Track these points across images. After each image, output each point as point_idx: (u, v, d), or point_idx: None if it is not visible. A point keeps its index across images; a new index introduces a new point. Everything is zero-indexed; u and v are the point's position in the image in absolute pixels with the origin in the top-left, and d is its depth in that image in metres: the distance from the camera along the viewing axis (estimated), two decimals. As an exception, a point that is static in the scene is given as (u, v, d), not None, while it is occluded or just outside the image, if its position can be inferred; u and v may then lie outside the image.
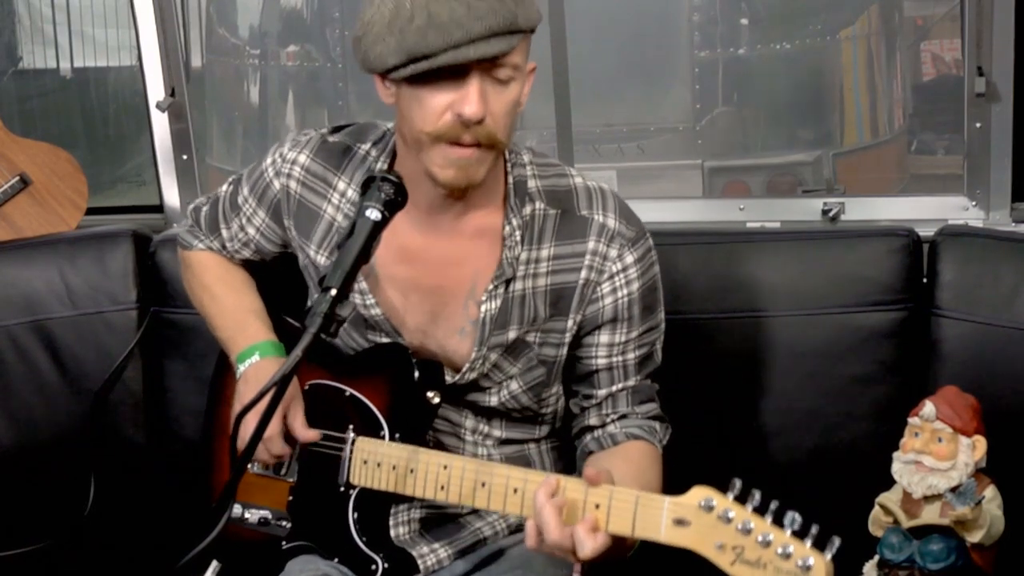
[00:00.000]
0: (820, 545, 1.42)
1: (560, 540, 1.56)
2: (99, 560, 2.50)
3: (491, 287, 1.85)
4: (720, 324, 2.35)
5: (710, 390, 2.35)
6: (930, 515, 1.96)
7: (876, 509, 2.03)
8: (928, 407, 1.98)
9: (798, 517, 1.43)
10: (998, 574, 1.97)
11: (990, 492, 1.96)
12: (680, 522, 1.49)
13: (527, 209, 1.86)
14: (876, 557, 2.01)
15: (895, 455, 2.02)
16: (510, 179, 1.86)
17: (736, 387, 2.35)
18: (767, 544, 1.42)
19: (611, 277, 1.87)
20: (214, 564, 1.91)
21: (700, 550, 1.47)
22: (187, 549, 1.66)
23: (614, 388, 1.91)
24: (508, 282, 1.85)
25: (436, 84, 1.68)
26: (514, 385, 1.92)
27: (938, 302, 2.28)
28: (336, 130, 1.97)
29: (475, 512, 1.97)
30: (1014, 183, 2.64)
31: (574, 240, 1.86)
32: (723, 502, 1.47)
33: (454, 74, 1.67)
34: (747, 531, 1.44)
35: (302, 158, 1.94)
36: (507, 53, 1.67)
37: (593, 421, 1.92)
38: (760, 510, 1.45)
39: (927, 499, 1.97)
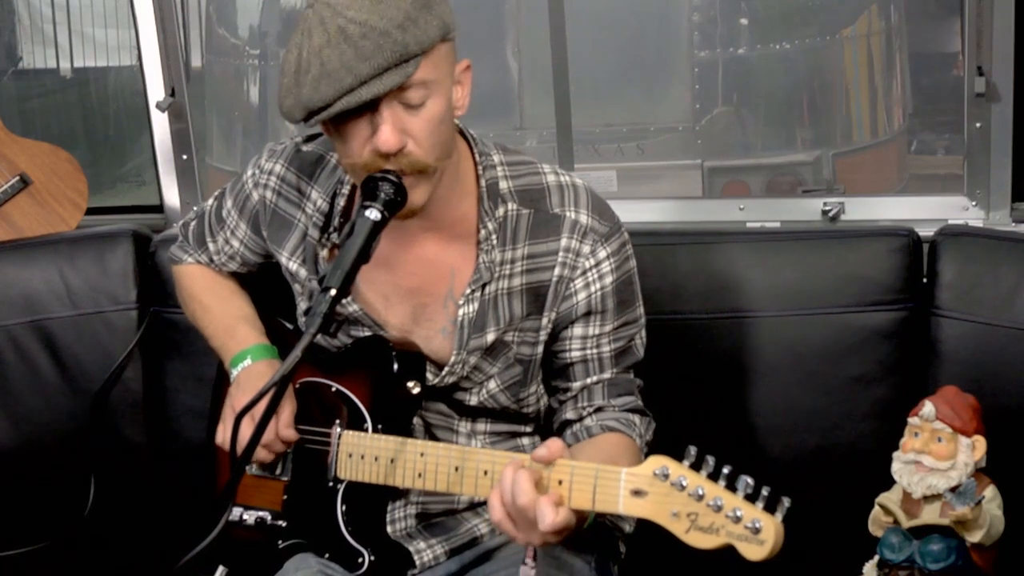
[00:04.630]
0: (771, 507, 1.43)
1: (527, 506, 1.55)
2: (99, 560, 2.50)
3: (468, 291, 1.85)
4: (720, 324, 2.35)
5: (710, 390, 2.35)
6: (930, 515, 1.96)
7: (876, 509, 2.03)
8: (928, 407, 1.98)
9: (750, 481, 1.44)
10: (998, 574, 1.97)
11: (990, 492, 1.96)
12: (637, 492, 1.50)
13: (500, 211, 1.86)
14: (876, 557, 2.01)
15: (895, 455, 2.02)
16: (482, 182, 1.85)
17: (736, 387, 2.35)
18: (719, 508, 1.44)
19: (584, 273, 1.86)
20: (220, 569, 1.92)
21: (657, 519, 1.48)
22: (188, 550, 1.66)
23: (589, 381, 1.91)
24: (484, 285, 1.86)
25: (350, 123, 1.68)
26: (492, 384, 1.92)
27: (938, 302, 2.28)
28: (310, 139, 1.98)
29: (472, 509, 1.98)
30: (1014, 183, 2.64)
31: (548, 238, 1.86)
32: (678, 470, 1.48)
33: (365, 110, 1.66)
34: (699, 497, 1.45)
35: (278, 168, 1.96)
36: (404, 82, 1.65)
37: (570, 415, 1.92)
38: (714, 476, 1.46)
39: (927, 499, 1.97)
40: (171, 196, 3.15)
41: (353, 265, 1.65)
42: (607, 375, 1.91)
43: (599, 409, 1.91)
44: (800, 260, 2.40)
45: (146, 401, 2.62)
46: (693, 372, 2.34)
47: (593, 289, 1.87)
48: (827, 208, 2.78)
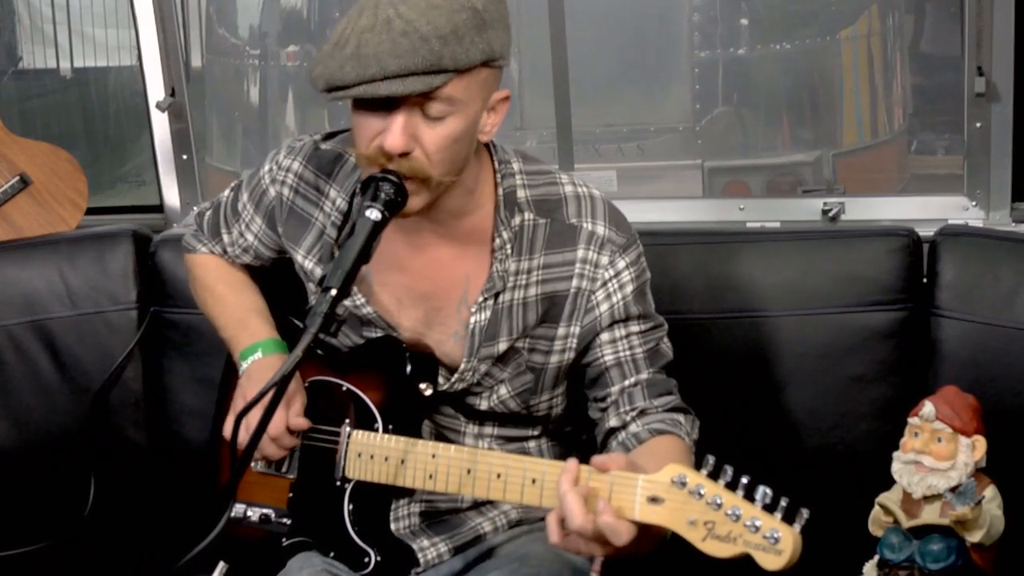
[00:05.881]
0: (790, 518, 1.43)
1: (583, 525, 1.52)
2: (99, 560, 2.50)
3: (481, 299, 1.85)
4: (720, 324, 2.35)
5: (709, 390, 2.34)
6: (930, 515, 1.96)
7: (876, 509, 2.03)
8: (928, 407, 1.98)
9: (769, 491, 1.44)
10: (998, 574, 1.97)
11: (990, 492, 1.96)
12: (654, 500, 1.50)
13: (516, 220, 1.85)
14: (876, 557, 2.01)
15: (895, 455, 2.02)
16: (500, 190, 1.85)
17: (736, 387, 2.35)
18: (737, 518, 1.44)
19: (604, 284, 1.86)
20: (221, 565, 1.92)
21: (673, 527, 1.48)
22: (188, 547, 1.66)
23: (627, 383, 1.88)
24: (498, 294, 1.86)
25: (369, 111, 1.69)
26: (503, 390, 1.92)
27: (938, 302, 2.28)
28: (329, 136, 1.98)
29: (476, 508, 1.98)
30: (1014, 183, 2.65)
31: (564, 249, 1.86)
32: (695, 478, 1.48)
33: (383, 105, 1.67)
34: (717, 505, 1.45)
35: (296, 165, 1.96)
36: (428, 92, 1.64)
37: (613, 422, 1.88)
38: (732, 485, 1.46)
39: (927, 499, 1.97)
40: (171, 196, 3.15)
41: (353, 265, 1.65)
42: (644, 375, 1.88)
43: (642, 412, 1.87)
44: (800, 260, 2.40)
45: (146, 401, 2.62)
46: (693, 372, 2.33)
47: (615, 300, 1.86)
48: (827, 208, 2.78)
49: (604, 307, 1.87)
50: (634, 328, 1.88)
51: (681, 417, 1.88)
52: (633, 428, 1.86)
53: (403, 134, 1.67)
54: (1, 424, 2.60)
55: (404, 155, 1.68)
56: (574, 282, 1.86)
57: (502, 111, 1.77)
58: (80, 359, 2.61)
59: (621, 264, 1.86)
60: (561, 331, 1.89)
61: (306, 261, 1.96)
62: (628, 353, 1.88)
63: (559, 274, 1.86)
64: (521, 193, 1.87)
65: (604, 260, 1.86)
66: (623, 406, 1.88)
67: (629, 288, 1.87)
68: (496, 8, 1.69)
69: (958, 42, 2.71)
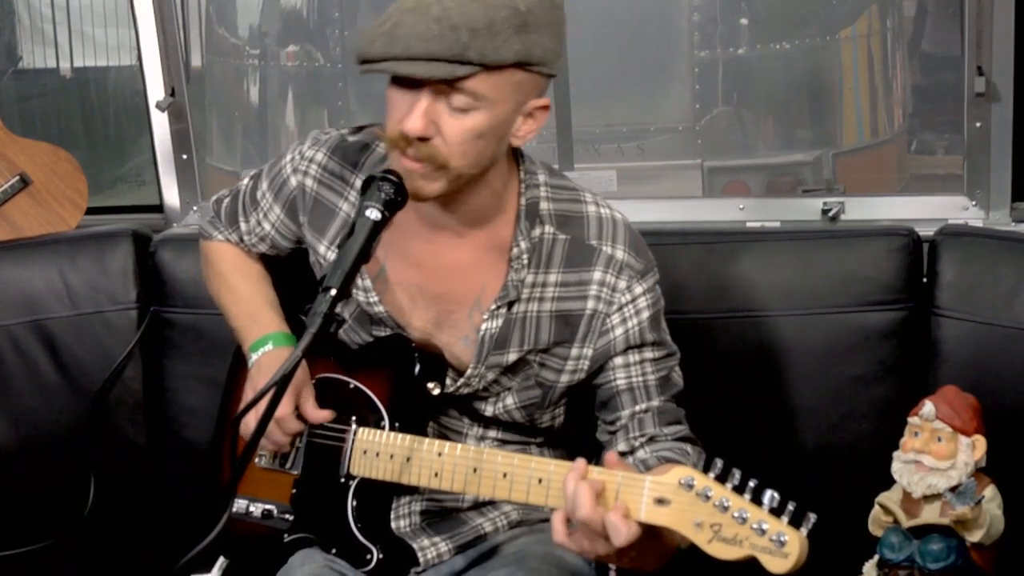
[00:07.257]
0: (797, 522, 1.43)
1: (591, 517, 1.52)
2: (99, 560, 2.50)
3: (494, 307, 1.85)
4: (720, 324, 2.35)
5: (709, 390, 2.35)
6: (930, 515, 1.96)
7: (876, 509, 2.03)
8: (928, 407, 1.98)
9: (776, 495, 1.44)
10: (998, 574, 1.97)
11: (990, 492, 1.96)
12: (661, 501, 1.50)
13: (536, 231, 1.85)
14: (876, 557, 2.01)
15: (895, 455, 2.02)
16: (523, 200, 1.85)
17: (736, 387, 2.35)
18: (743, 520, 1.44)
19: (620, 308, 1.86)
20: (221, 560, 1.92)
21: (679, 529, 1.48)
22: (189, 545, 1.66)
23: (637, 408, 1.87)
24: (511, 304, 1.85)
25: (400, 91, 1.69)
26: (509, 400, 1.93)
27: (938, 302, 2.28)
28: (358, 130, 1.98)
29: (476, 508, 1.98)
30: (1014, 183, 2.64)
31: (581, 268, 1.86)
32: (703, 480, 1.48)
33: (410, 86, 1.67)
34: (724, 508, 1.45)
35: (320, 156, 1.95)
36: (451, 81, 1.64)
37: (622, 447, 1.88)
38: (739, 488, 1.46)
39: (927, 499, 1.97)
40: (171, 196, 3.14)
41: (353, 265, 1.65)
42: (655, 403, 1.88)
43: (652, 439, 1.87)
44: (800, 260, 2.40)
45: (146, 401, 2.62)
46: (692, 372, 2.33)
47: (630, 324, 1.86)
48: (827, 208, 2.78)
49: (619, 331, 1.86)
50: (648, 355, 1.88)
51: (689, 447, 1.88)
52: (641, 454, 1.86)
53: (423, 118, 1.67)
54: (1, 424, 2.60)
55: (424, 140, 1.68)
56: (590, 303, 1.86)
57: (540, 119, 1.76)
58: (80, 359, 2.61)
59: (638, 290, 1.86)
60: (574, 351, 1.89)
61: (330, 252, 1.95)
62: (640, 379, 1.88)
63: (575, 293, 1.86)
64: (544, 205, 1.86)
65: (622, 284, 1.85)
66: (632, 431, 1.88)
67: (645, 314, 1.87)
68: (545, 14, 1.68)
69: (958, 42, 2.71)
